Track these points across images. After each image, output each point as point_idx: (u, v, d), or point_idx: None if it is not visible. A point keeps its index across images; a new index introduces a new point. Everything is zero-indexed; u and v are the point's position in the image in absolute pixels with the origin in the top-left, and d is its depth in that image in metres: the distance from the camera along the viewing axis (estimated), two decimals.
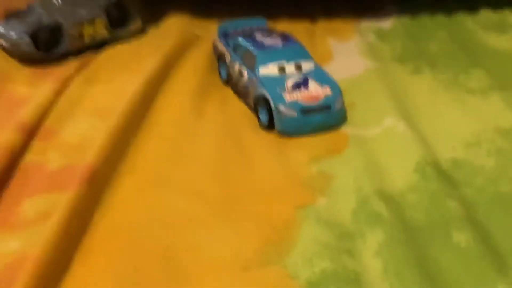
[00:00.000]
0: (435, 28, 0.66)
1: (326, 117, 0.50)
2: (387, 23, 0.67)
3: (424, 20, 0.66)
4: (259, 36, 0.54)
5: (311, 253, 0.39)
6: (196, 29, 0.65)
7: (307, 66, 0.52)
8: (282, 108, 0.49)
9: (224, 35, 0.57)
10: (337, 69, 0.57)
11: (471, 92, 0.55)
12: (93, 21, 0.60)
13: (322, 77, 0.52)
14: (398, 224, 0.40)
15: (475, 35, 0.64)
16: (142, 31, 0.64)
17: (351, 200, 0.43)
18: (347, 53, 0.62)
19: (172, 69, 0.58)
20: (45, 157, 0.47)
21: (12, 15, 0.59)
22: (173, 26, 0.65)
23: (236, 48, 0.54)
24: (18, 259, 0.37)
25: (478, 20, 0.67)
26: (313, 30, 0.66)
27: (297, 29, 0.64)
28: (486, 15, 0.67)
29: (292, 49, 0.53)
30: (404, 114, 0.51)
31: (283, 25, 0.65)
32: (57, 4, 0.61)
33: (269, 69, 0.51)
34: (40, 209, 0.41)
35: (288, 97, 0.49)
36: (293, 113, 0.49)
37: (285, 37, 0.55)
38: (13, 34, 0.57)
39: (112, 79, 0.56)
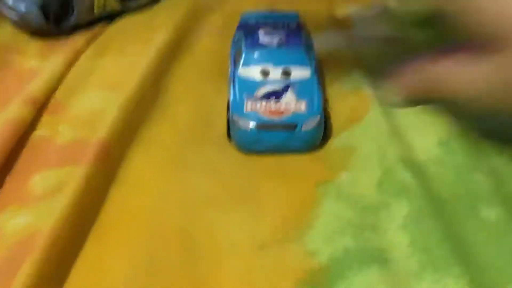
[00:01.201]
0: None
1: (288, 138, 0.42)
2: None
3: None
4: (261, 32, 0.47)
5: (332, 230, 0.37)
6: (208, 1, 0.62)
7: (298, 73, 0.45)
8: (235, 118, 0.43)
9: (244, 26, 0.50)
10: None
11: None
12: None
13: (308, 90, 0.44)
14: (424, 196, 0.38)
15: None
16: (154, 2, 0.62)
17: (375, 171, 0.41)
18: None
19: (185, 41, 0.56)
20: (55, 131, 0.45)
21: None
22: None
23: (235, 43, 0.49)
24: (29, 235, 0.36)
25: None
26: None
27: None
28: None
29: (289, 52, 0.46)
30: None
31: None
32: None
33: (250, 71, 0.45)
34: (51, 184, 0.40)
35: (249, 107, 0.43)
36: (247, 126, 0.42)
37: (291, 36, 0.47)
38: (22, 7, 0.55)
39: (123, 51, 0.54)
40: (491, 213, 0.37)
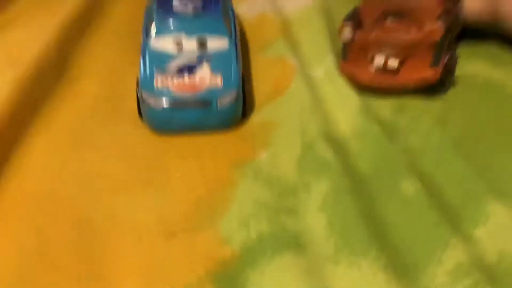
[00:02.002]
0: None
1: (202, 115, 0.39)
2: None
3: None
4: None
5: (247, 215, 0.34)
6: None
7: (215, 44, 0.41)
8: (145, 95, 0.39)
9: None
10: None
11: None
12: None
13: (224, 62, 0.40)
14: (344, 173, 0.36)
15: None
16: None
17: (295, 148, 0.38)
18: None
19: (98, 7, 0.51)
20: None
21: None
22: None
23: (148, 11, 0.44)
24: None
25: None
26: None
27: None
28: None
29: (205, 20, 0.42)
30: None
31: None
32: None
33: (163, 42, 0.41)
34: None
35: (160, 82, 0.39)
36: (158, 104, 0.38)
37: (209, 3, 0.43)
38: None
39: (30, 23, 0.49)
40: (410, 187, 0.35)
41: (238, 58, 0.41)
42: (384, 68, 0.40)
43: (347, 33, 0.41)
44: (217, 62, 0.40)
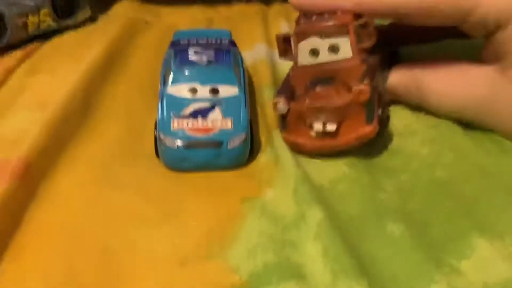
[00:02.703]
0: None
1: (214, 155, 0.43)
2: None
3: None
4: (191, 51, 0.47)
5: (254, 246, 0.37)
6: (145, 14, 0.62)
7: (226, 91, 0.45)
8: (162, 136, 0.43)
9: (175, 44, 0.50)
10: None
11: None
12: (38, 10, 0.58)
13: (234, 108, 0.44)
14: (333, 208, 0.39)
15: None
16: (91, 19, 0.62)
17: (290, 180, 0.41)
18: None
19: (119, 57, 0.56)
20: None
21: None
22: (122, 12, 0.62)
23: (166, 61, 0.48)
24: None
25: None
26: (267, 13, 0.64)
27: (250, 11, 0.63)
28: None
29: (217, 70, 0.46)
30: None
31: (237, 8, 0.63)
32: None
33: (178, 89, 0.45)
34: None
35: (176, 124, 0.43)
36: (173, 144, 0.43)
37: (221, 55, 0.47)
38: None
39: (56, 69, 0.54)
40: (395, 229, 0.37)
41: (246, 104, 0.45)
42: (324, 132, 0.42)
43: (282, 106, 0.43)
44: (228, 107, 0.44)
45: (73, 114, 0.47)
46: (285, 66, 0.52)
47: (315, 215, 0.38)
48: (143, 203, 0.41)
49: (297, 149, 0.44)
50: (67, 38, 0.59)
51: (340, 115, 0.42)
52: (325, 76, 0.43)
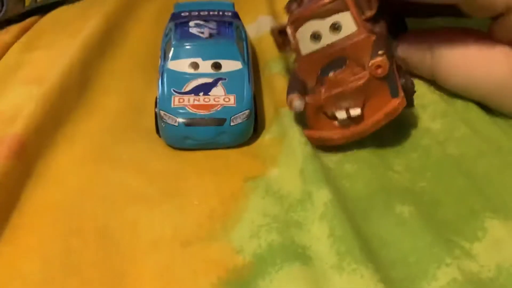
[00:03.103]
0: None
1: (216, 133, 0.41)
2: None
3: None
4: (192, 24, 0.46)
5: (258, 226, 0.36)
6: None
7: (229, 66, 0.43)
8: (163, 113, 0.41)
9: (176, 17, 0.48)
10: None
11: None
12: None
13: (238, 83, 0.43)
14: (341, 189, 0.38)
15: None
16: None
17: (298, 159, 0.40)
18: None
19: (117, 30, 0.54)
20: None
21: None
22: None
23: (166, 35, 0.47)
24: None
25: None
26: None
27: None
28: None
29: (219, 45, 0.44)
30: None
31: None
32: None
33: (180, 64, 0.43)
34: None
35: (177, 101, 0.41)
36: (174, 122, 0.41)
37: (223, 28, 0.46)
38: None
39: (53, 44, 0.52)
40: (404, 210, 0.36)
41: (250, 79, 0.43)
42: (349, 118, 0.39)
43: (298, 103, 0.39)
44: (231, 83, 0.43)
45: (70, 89, 0.46)
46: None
47: (323, 194, 0.37)
48: (143, 182, 0.40)
49: (324, 144, 0.41)
50: (64, 12, 0.58)
51: (362, 96, 0.38)
52: (335, 59, 0.39)
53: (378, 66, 0.37)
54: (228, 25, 0.46)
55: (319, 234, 0.35)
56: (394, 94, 0.38)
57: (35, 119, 0.42)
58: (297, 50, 0.41)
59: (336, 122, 0.40)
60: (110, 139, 0.43)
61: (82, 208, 0.38)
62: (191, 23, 0.46)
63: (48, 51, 0.51)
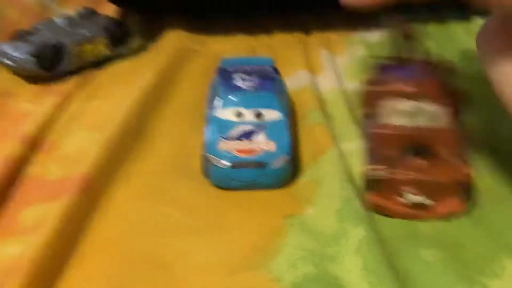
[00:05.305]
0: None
1: (259, 175, 0.45)
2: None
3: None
4: (237, 77, 0.51)
5: (295, 259, 0.41)
6: (193, 44, 0.67)
7: (269, 115, 0.48)
8: (210, 156, 0.46)
9: (222, 70, 0.53)
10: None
11: None
12: (94, 40, 0.62)
13: (278, 131, 0.47)
14: (374, 227, 0.42)
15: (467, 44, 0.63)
16: (142, 48, 0.66)
17: (336, 202, 0.44)
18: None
19: (169, 83, 0.60)
20: (45, 169, 0.49)
21: (18, 36, 0.62)
22: (171, 42, 0.67)
23: (213, 86, 0.52)
24: (14, 263, 0.39)
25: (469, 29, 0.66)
26: (307, 42, 0.67)
27: (291, 40, 0.67)
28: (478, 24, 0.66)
29: (261, 96, 0.49)
30: None
31: (278, 37, 0.67)
32: (60, 25, 0.63)
33: (226, 113, 0.48)
34: (38, 218, 0.43)
35: (224, 146, 0.46)
36: (221, 164, 0.46)
37: (264, 81, 0.51)
38: (18, 54, 0.59)
39: (111, 94, 0.58)
40: (429, 254, 0.40)
41: (289, 128, 0.48)
42: (416, 204, 0.41)
43: (380, 173, 0.42)
44: (272, 131, 0.47)
45: (128, 135, 0.52)
46: (328, 91, 0.58)
47: (358, 232, 0.41)
48: (191, 218, 0.44)
49: (382, 211, 0.43)
50: (120, 66, 0.63)
51: (437, 193, 0.41)
52: (418, 143, 0.41)
53: (463, 175, 0.41)
54: (269, 79, 0.51)
55: (353, 267, 0.39)
56: (463, 199, 0.42)
57: (99, 160, 0.48)
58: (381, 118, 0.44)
59: (403, 199, 0.42)
60: (162, 179, 0.48)
61: (138, 240, 0.43)
62: (236, 76, 0.51)
63: (107, 100, 0.57)
